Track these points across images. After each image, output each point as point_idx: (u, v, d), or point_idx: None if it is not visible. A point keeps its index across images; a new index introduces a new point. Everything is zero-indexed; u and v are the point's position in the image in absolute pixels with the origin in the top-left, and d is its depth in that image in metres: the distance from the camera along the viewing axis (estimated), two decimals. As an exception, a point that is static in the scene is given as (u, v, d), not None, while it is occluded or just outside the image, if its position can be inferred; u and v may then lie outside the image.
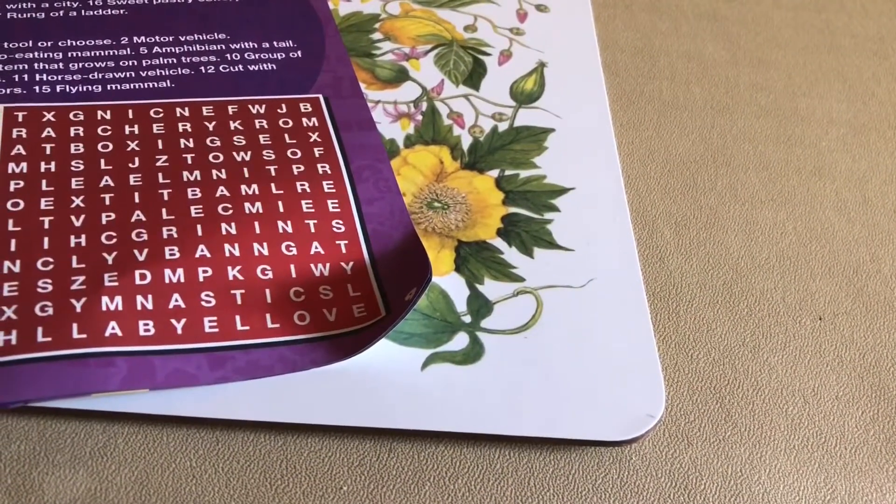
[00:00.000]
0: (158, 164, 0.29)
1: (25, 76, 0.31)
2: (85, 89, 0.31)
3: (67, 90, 0.31)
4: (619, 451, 0.26)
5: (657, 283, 0.30)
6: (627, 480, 0.25)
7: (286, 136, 0.31)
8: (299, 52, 0.35)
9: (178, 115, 0.31)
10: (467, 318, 0.28)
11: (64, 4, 0.35)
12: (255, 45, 0.34)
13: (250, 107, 0.32)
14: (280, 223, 0.28)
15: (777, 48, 0.41)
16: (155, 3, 0.36)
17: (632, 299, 0.28)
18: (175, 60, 0.33)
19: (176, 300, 0.26)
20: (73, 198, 0.28)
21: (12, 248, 0.26)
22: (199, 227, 0.27)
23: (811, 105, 0.38)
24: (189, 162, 0.29)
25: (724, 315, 0.30)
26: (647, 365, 0.27)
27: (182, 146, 0.30)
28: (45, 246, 0.26)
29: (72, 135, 0.30)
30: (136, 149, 0.30)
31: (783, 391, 0.28)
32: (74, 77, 0.32)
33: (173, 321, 0.25)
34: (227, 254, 0.27)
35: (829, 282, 0.31)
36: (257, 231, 0.28)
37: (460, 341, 0.27)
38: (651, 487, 0.25)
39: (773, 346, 0.29)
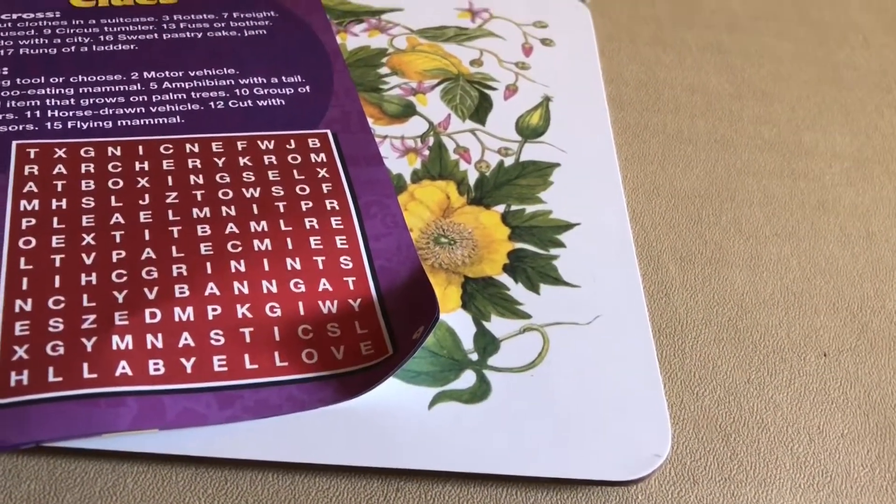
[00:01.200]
0: (168, 200, 0.30)
1: (38, 112, 0.32)
2: (96, 125, 0.32)
3: (79, 126, 0.32)
4: (626, 491, 0.26)
5: (663, 319, 0.31)
6: (634, 520, 0.26)
7: (295, 171, 0.31)
8: (308, 87, 0.35)
9: (188, 150, 0.31)
10: (474, 356, 0.28)
11: (75, 40, 0.35)
12: (265, 81, 0.35)
13: (259, 142, 0.32)
14: (289, 260, 0.28)
15: (780, 81, 0.41)
16: (165, 38, 0.36)
17: (638, 337, 0.29)
18: (185, 96, 0.34)
19: (185, 339, 0.26)
20: (84, 235, 0.28)
21: (24, 287, 0.26)
22: (208, 264, 0.28)
23: (814, 138, 0.39)
24: (199, 198, 0.30)
25: (730, 352, 0.30)
26: (654, 404, 0.27)
27: (192, 182, 0.30)
28: (57, 284, 0.27)
29: (83, 171, 0.30)
30: (147, 185, 0.30)
31: (788, 429, 0.28)
32: (86, 113, 0.32)
33: (183, 360, 0.25)
34: (237, 291, 0.27)
35: (834, 317, 0.31)
36: (266, 268, 0.28)
37: (467, 379, 0.27)
38: (657, 527, 0.25)
39: (779, 383, 0.29)
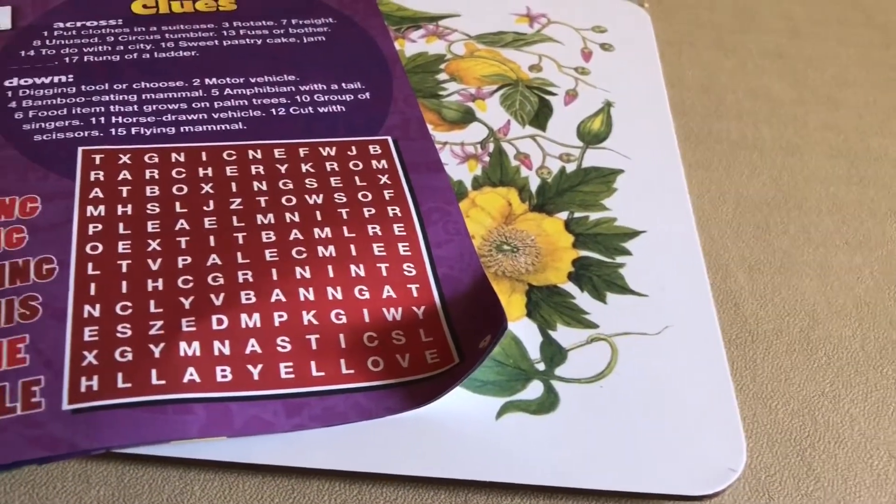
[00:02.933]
0: (233, 206, 0.30)
1: (102, 118, 0.32)
2: (159, 131, 0.32)
3: (142, 132, 0.32)
4: (699, 506, 0.25)
5: (732, 330, 0.30)
6: (708, 537, 0.25)
7: (357, 178, 0.31)
8: (368, 94, 0.35)
9: (251, 157, 0.31)
10: (541, 366, 0.27)
11: (138, 47, 0.35)
12: (325, 87, 0.35)
13: (321, 149, 0.32)
14: (353, 267, 0.28)
15: (845, 86, 0.40)
16: (225, 45, 0.36)
17: (709, 347, 0.28)
18: (246, 102, 0.34)
19: (252, 345, 0.26)
20: (150, 241, 0.28)
21: (92, 292, 0.26)
22: (273, 270, 0.28)
23: (883, 144, 0.37)
24: (263, 205, 0.30)
25: (802, 363, 0.29)
26: (727, 416, 0.26)
27: (255, 189, 0.30)
28: (124, 290, 0.27)
29: (147, 177, 0.30)
30: (211, 191, 0.30)
31: (867, 444, 0.27)
32: (149, 119, 0.32)
33: (250, 367, 0.25)
34: (302, 298, 0.27)
35: (911, 329, 0.30)
36: (330, 275, 0.28)
37: (535, 390, 0.27)
38: (733, 544, 0.25)
39: (854, 396, 0.28)
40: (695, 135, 0.37)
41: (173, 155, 0.31)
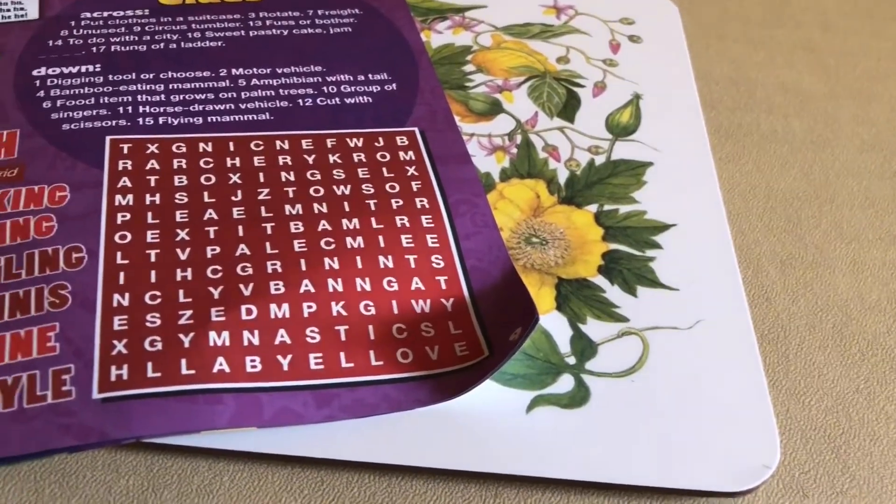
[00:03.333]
0: (260, 196, 0.29)
1: (129, 108, 0.32)
2: (186, 121, 0.32)
3: (170, 122, 0.32)
4: (732, 503, 0.25)
5: (765, 325, 0.29)
6: (742, 534, 0.24)
7: (384, 169, 0.31)
8: (394, 85, 0.34)
9: (278, 147, 0.31)
10: (571, 360, 0.27)
11: (165, 37, 0.35)
12: (351, 78, 0.34)
13: (348, 140, 0.32)
14: (381, 258, 0.28)
15: (878, 80, 0.40)
16: (252, 35, 0.36)
17: (741, 342, 0.28)
18: (273, 93, 0.33)
19: (282, 336, 0.25)
20: (178, 231, 0.28)
21: (121, 281, 0.26)
22: (302, 261, 0.27)
23: (917, 139, 0.37)
24: (290, 195, 0.29)
25: (836, 360, 0.29)
26: (760, 412, 0.26)
27: (283, 179, 0.30)
28: (153, 279, 0.26)
29: (175, 167, 0.30)
30: (239, 181, 0.30)
31: (903, 442, 0.27)
32: (176, 109, 0.32)
33: (279, 357, 0.25)
34: (331, 289, 0.27)
35: (946, 326, 0.30)
36: (359, 266, 0.28)
37: (565, 384, 0.26)
38: (767, 542, 0.24)
39: (890, 393, 0.28)
40: (724, 128, 0.36)
41: (201, 145, 0.31)
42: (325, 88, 0.34)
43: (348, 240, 0.28)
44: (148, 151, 0.31)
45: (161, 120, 0.32)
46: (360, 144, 0.32)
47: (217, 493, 0.24)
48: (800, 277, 0.31)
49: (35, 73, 0.33)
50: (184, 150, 0.31)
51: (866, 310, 0.30)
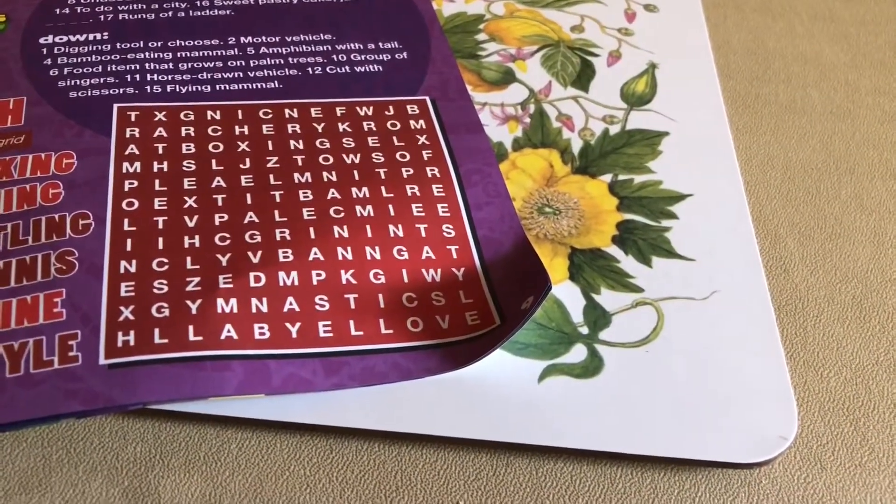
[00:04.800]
0: (269, 164, 0.29)
1: (137, 76, 0.32)
2: (194, 89, 0.31)
3: (178, 90, 0.31)
4: (748, 474, 0.25)
5: (782, 297, 0.29)
6: (758, 506, 0.24)
7: (394, 138, 0.31)
8: (405, 54, 0.34)
9: (287, 115, 0.31)
10: (584, 330, 0.26)
11: (173, 5, 0.35)
12: (361, 47, 0.34)
13: (358, 108, 0.31)
14: (391, 227, 0.28)
15: (899, 50, 0.39)
16: (261, 3, 0.35)
17: (758, 313, 0.27)
18: (282, 61, 0.33)
19: (290, 303, 0.25)
20: (186, 198, 0.28)
21: (128, 248, 0.26)
22: (311, 229, 0.27)
23: (939, 110, 0.36)
24: (300, 163, 0.29)
25: (855, 332, 0.28)
26: (778, 383, 0.25)
27: (292, 147, 0.30)
28: (160, 246, 0.26)
29: (183, 135, 0.30)
30: (247, 149, 0.29)
31: (923, 415, 0.26)
32: (184, 77, 0.32)
33: (288, 325, 0.25)
34: (340, 257, 0.26)
35: (969, 299, 0.29)
36: (369, 234, 0.27)
37: (578, 354, 0.26)
38: (784, 514, 0.24)
39: (910, 366, 0.27)
40: (741, 98, 0.36)
41: (209, 113, 0.31)
42: (334, 57, 0.33)
43: (358, 208, 0.28)
44: (156, 119, 0.30)
45: (169, 88, 0.31)
46: (370, 113, 0.31)
47: (225, 460, 0.24)
48: (819, 249, 0.30)
49: (42, 40, 0.33)
50: (192, 117, 0.30)
51: (887, 282, 0.30)
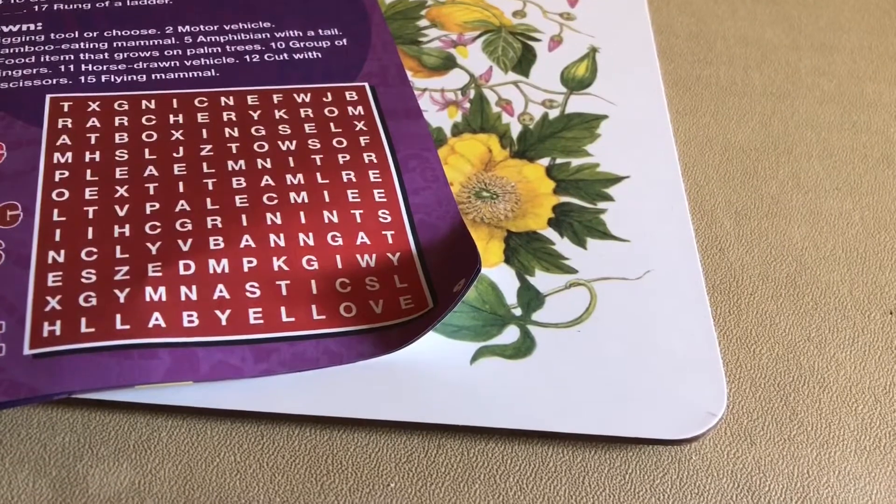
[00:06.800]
0: (203, 153, 0.29)
1: (71, 66, 0.31)
2: (130, 79, 0.31)
3: (112, 80, 0.31)
4: (679, 451, 0.25)
5: (717, 275, 0.29)
6: (687, 481, 0.24)
7: (331, 124, 0.30)
8: (345, 40, 0.34)
9: (223, 104, 0.31)
10: (517, 311, 0.27)
11: (109, -5, 0.34)
12: (300, 34, 0.34)
13: (295, 95, 0.31)
14: (326, 213, 0.28)
15: (840, 31, 0.39)
16: (199, -8, 0.35)
17: (691, 292, 0.27)
18: (220, 49, 0.33)
19: (220, 291, 0.25)
20: (118, 188, 0.27)
21: (57, 238, 0.26)
22: (243, 216, 0.27)
23: (878, 90, 0.36)
24: (234, 151, 0.29)
25: (788, 309, 0.28)
26: (708, 360, 0.26)
27: (227, 135, 0.29)
28: (90, 236, 0.26)
29: (116, 124, 0.29)
30: (181, 138, 0.29)
31: (852, 389, 0.27)
32: (119, 67, 0.32)
33: (217, 312, 0.25)
34: (272, 244, 0.26)
35: (901, 274, 0.30)
36: (303, 221, 0.27)
37: (511, 335, 0.26)
38: (712, 488, 0.24)
39: (841, 341, 0.28)
40: (682, 81, 0.36)
41: (144, 102, 0.30)
42: (273, 44, 0.33)
43: (292, 195, 0.28)
44: (89, 109, 0.30)
45: (104, 78, 0.31)
46: (307, 100, 0.31)
47: (155, 448, 0.24)
48: (755, 228, 0.31)
49: (-25, 32, 0.32)
50: (126, 107, 0.30)
51: (821, 259, 0.30)
